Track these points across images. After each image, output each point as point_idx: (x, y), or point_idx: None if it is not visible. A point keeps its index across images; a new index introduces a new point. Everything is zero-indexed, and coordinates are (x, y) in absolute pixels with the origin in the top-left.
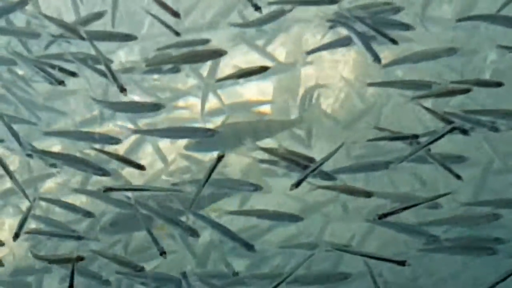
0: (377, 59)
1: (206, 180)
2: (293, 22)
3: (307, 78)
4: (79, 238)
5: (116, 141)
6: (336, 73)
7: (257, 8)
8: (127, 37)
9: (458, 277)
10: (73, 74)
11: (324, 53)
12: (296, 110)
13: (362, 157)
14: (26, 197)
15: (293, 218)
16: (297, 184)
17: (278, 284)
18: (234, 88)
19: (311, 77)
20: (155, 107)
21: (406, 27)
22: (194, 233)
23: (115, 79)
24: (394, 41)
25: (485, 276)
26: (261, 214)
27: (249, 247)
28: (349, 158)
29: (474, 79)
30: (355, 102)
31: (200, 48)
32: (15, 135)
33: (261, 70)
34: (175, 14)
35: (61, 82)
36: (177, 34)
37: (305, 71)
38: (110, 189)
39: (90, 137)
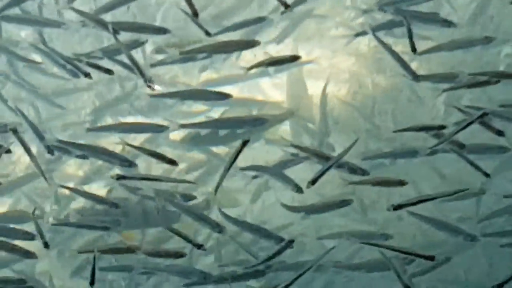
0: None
1: (231, 165)
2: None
3: (320, 71)
4: (105, 228)
5: (163, 129)
6: (351, 66)
7: (287, 6)
8: (159, 30)
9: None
10: (109, 71)
11: (338, 46)
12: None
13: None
14: (46, 180)
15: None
16: (314, 181)
17: (301, 275)
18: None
19: (324, 71)
20: (221, 96)
21: (448, 24)
22: (221, 229)
23: (141, 73)
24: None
25: None
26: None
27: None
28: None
29: (494, 71)
30: (370, 95)
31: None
32: (35, 129)
33: (293, 59)
34: (195, 14)
35: (87, 75)
36: (208, 34)
37: (318, 65)
38: (123, 177)
39: (137, 128)
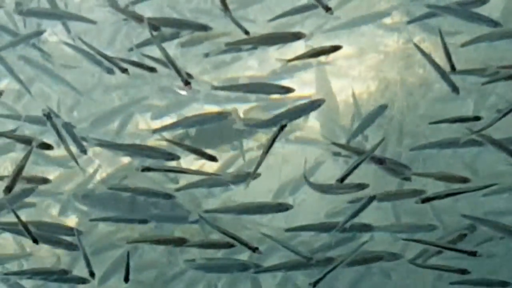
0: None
1: (269, 149)
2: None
3: (349, 68)
4: (144, 221)
5: (225, 116)
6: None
7: (328, 9)
8: (202, 27)
9: None
10: (152, 69)
11: (367, 44)
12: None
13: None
14: (79, 165)
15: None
16: (342, 179)
17: (332, 270)
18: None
19: (353, 69)
20: (283, 90)
21: (494, 23)
22: (255, 249)
23: (178, 72)
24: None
25: None
26: None
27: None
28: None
29: None
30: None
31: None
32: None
33: (333, 49)
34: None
35: (125, 70)
36: (247, 32)
37: (347, 62)
38: (148, 169)
39: (202, 121)
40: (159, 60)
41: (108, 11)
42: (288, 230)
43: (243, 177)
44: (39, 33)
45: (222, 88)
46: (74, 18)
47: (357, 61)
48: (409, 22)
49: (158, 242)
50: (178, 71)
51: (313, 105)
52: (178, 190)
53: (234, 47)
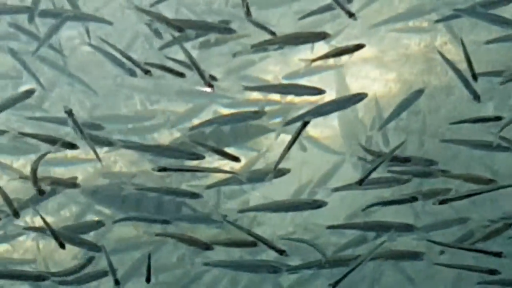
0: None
1: (291, 145)
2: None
3: (370, 71)
4: (165, 222)
5: (258, 115)
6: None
7: (351, 15)
8: (227, 30)
9: None
10: (181, 74)
11: (387, 47)
12: None
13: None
14: (100, 161)
15: None
16: (361, 181)
17: (352, 270)
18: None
19: (374, 71)
20: (314, 91)
21: None
22: (282, 252)
23: (201, 75)
24: None
25: None
26: None
27: None
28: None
29: None
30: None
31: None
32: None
33: (357, 48)
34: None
35: (147, 72)
36: (273, 33)
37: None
38: (164, 169)
39: (236, 119)
40: (182, 62)
41: (131, 13)
42: (330, 227)
43: (263, 175)
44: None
45: (253, 89)
46: (91, 19)
47: (378, 64)
48: (436, 21)
49: (185, 240)
50: (201, 74)
51: (355, 98)
52: (209, 187)
53: (260, 47)
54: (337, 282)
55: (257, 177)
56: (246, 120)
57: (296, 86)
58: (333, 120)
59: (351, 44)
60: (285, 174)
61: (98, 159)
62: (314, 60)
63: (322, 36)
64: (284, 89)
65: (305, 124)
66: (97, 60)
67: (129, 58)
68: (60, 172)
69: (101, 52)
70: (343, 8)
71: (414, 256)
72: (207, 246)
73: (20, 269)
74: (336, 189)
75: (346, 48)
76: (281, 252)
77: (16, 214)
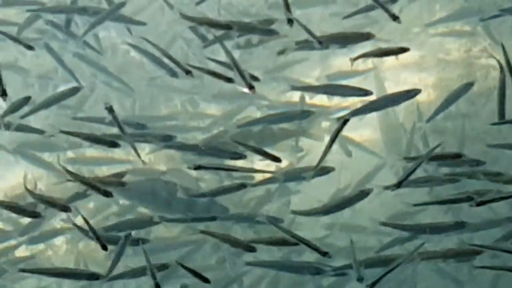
0: None
1: (332, 143)
2: None
3: (409, 76)
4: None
5: (308, 114)
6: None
7: (395, 18)
8: (270, 31)
9: None
10: (229, 80)
11: (427, 52)
12: None
13: None
14: (140, 157)
15: None
16: (398, 185)
17: (389, 271)
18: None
19: (413, 76)
20: (362, 92)
21: None
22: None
23: (243, 76)
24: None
25: None
26: None
27: None
28: None
29: None
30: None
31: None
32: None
33: (401, 50)
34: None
35: (188, 72)
36: (320, 43)
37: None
38: (200, 167)
39: (285, 118)
40: (223, 62)
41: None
42: (383, 224)
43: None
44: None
45: (300, 89)
46: (125, 20)
47: (417, 68)
48: (481, 20)
49: (228, 241)
50: (242, 75)
51: (408, 94)
52: (254, 185)
53: (305, 46)
54: (374, 283)
55: (296, 175)
56: (295, 120)
57: (343, 86)
58: (373, 123)
59: (395, 46)
60: (329, 172)
61: (138, 156)
62: (355, 59)
63: (366, 37)
64: (331, 90)
65: (345, 122)
66: (138, 60)
67: (171, 58)
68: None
69: (141, 52)
70: (387, 11)
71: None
72: (250, 248)
73: (73, 268)
74: (387, 188)
75: (390, 50)
76: (324, 253)
77: (67, 208)
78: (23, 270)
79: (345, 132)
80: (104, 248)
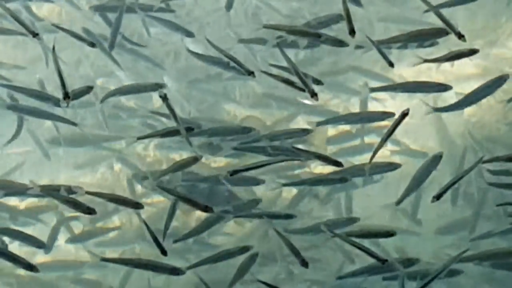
0: None
1: (388, 136)
2: None
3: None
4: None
5: (388, 115)
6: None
7: (461, 36)
8: (339, 43)
9: None
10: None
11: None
12: None
13: None
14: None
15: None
16: (438, 197)
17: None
18: None
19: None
20: (442, 88)
21: None
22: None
23: (304, 82)
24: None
25: None
26: None
27: None
28: None
29: None
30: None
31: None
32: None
33: (471, 52)
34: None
35: (251, 73)
36: (391, 65)
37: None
38: (235, 171)
39: (365, 118)
40: (284, 67)
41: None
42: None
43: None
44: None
45: (379, 90)
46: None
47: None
48: None
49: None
50: (304, 81)
51: (499, 81)
52: (285, 185)
53: (384, 44)
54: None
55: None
56: (376, 121)
57: (423, 84)
58: (432, 131)
59: (465, 48)
60: (396, 169)
61: (190, 144)
62: (426, 61)
63: (446, 32)
64: (411, 88)
65: (404, 115)
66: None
67: (233, 59)
68: None
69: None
70: (453, 30)
71: None
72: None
73: (157, 261)
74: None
75: (460, 53)
76: (383, 261)
77: (139, 205)
78: (105, 259)
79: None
80: (164, 253)
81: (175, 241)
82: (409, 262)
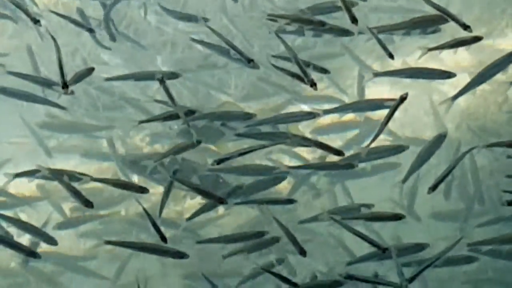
0: None
1: (388, 121)
2: None
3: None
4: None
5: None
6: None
7: (466, 27)
8: (345, 32)
9: None
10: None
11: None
12: None
13: None
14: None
15: None
16: (434, 187)
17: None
18: None
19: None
20: (446, 74)
21: None
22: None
23: (305, 72)
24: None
25: None
26: None
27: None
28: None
29: None
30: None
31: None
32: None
33: (475, 40)
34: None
35: (251, 61)
36: (391, 56)
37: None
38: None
39: (371, 106)
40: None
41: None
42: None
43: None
44: None
45: (382, 74)
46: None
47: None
48: None
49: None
50: (303, 71)
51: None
52: (291, 168)
53: (386, 31)
54: (413, 278)
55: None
56: (381, 108)
57: (426, 69)
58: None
59: (468, 36)
60: (404, 150)
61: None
62: (431, 49)
63: (446, 19)
64: (414, 73)
65: (402, 100)
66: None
67: (234, 48)
68: None
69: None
70: (457, 21)
71: None
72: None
73: (160, 245)
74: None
75: (463, 40)
76: (383, 250)
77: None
78: (109, 242)
79: None
80: (164, 239)
81: (188, 219)
82: (419, 247)
